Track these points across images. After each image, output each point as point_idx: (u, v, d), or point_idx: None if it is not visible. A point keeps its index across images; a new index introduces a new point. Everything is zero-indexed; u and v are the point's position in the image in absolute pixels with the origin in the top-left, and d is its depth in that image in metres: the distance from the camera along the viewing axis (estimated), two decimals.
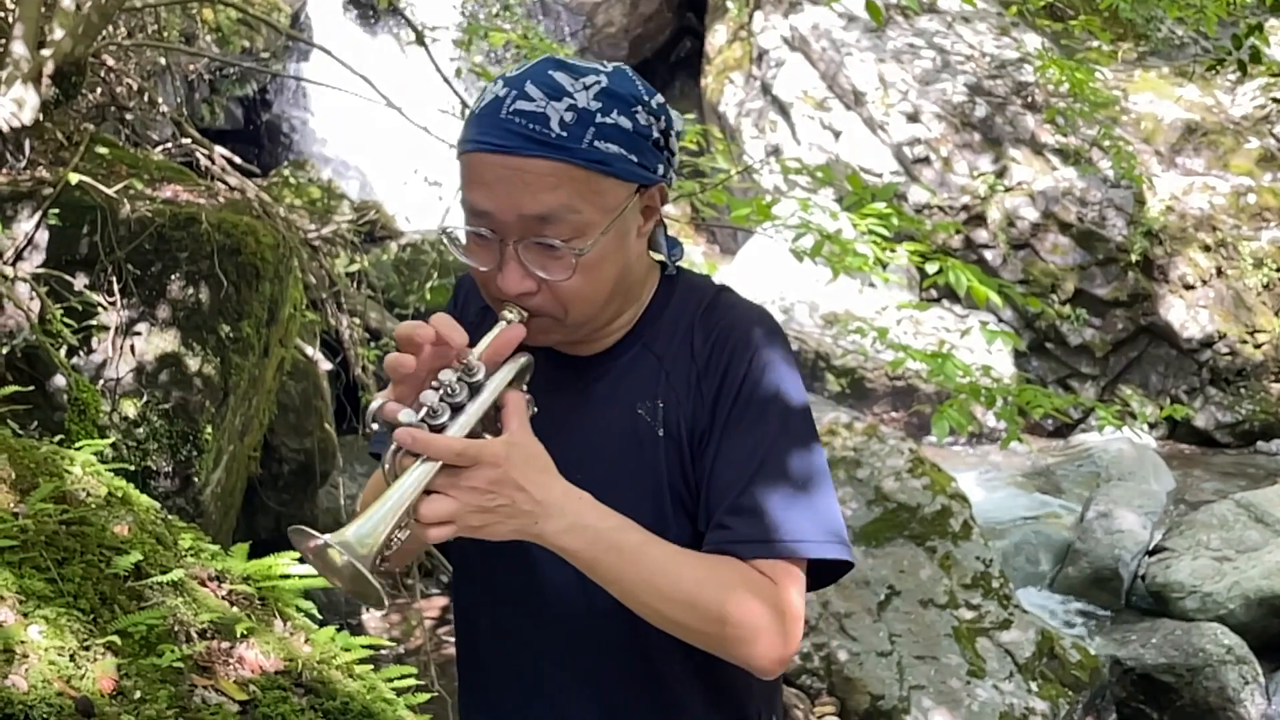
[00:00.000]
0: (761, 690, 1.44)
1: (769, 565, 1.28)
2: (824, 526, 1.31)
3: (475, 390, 1.20)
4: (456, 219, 1.35)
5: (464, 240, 1.32)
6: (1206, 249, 8.65)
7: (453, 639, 5.19)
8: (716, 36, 10.76)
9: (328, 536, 1.10)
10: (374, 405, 1.19)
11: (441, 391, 1.17)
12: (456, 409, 1.18)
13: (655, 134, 1.30)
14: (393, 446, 1.15)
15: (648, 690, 1.38)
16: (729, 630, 1.25)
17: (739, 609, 1.25)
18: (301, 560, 2.44)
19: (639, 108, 1.28)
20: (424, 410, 1.16)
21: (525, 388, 1.27)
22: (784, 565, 1.29)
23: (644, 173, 1.29)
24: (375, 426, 1.22)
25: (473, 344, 1.23)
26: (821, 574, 1.35)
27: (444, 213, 1.35)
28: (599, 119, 1.25)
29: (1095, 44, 8.50)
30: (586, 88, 1.26)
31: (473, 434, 1.18)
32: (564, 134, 1.23)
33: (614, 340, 1.37)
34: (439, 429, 1.16)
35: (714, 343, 1.33)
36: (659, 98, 1.32)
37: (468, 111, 1.35)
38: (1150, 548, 5.94)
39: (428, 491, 1.15)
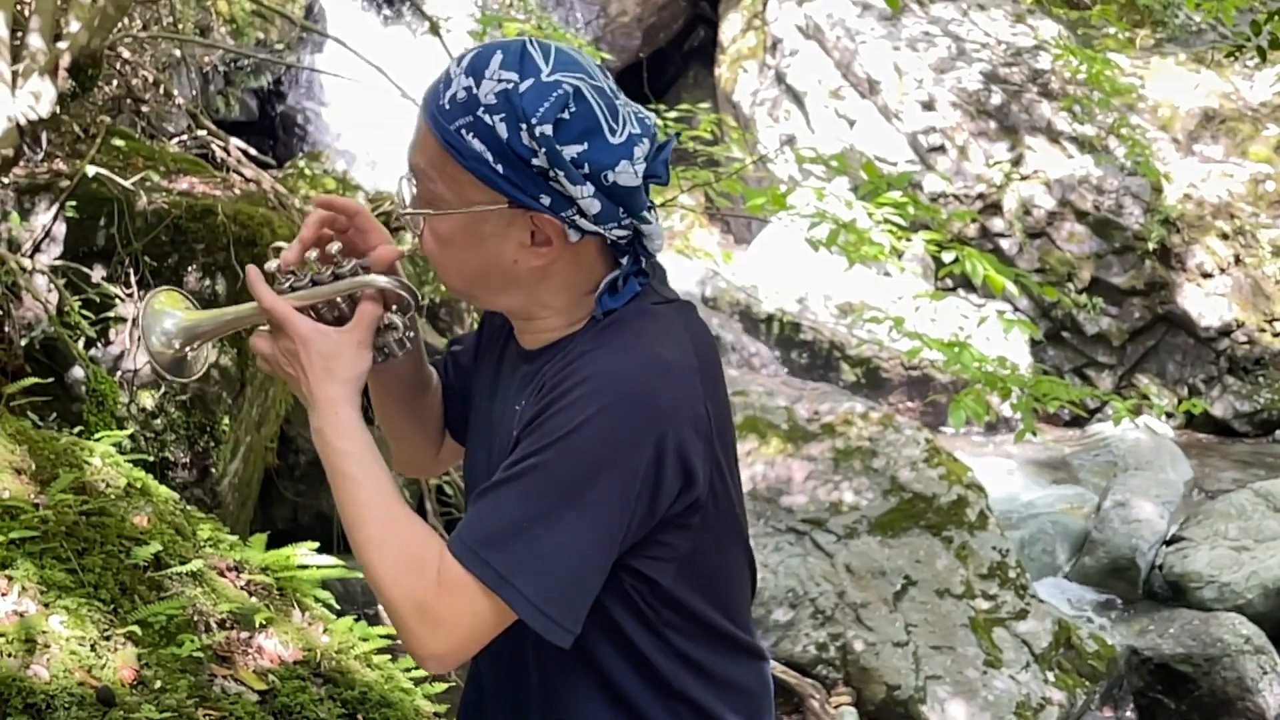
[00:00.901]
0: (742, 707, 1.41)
1: (447, 561, 1.24)
2: (524, 565, 1.22)
3: (335, 278, 1.37)
4: None
5: None
6: (1224, 237, 8.59)
7: None
8: (730, 25, 10.72)
9: (174, 310, 1.40)
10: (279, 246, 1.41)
11: (306, 266, 1.37)
12: (314, 284, 1.37)
13: (537, 161, 1.23)
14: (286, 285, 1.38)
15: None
16: (384, 603, 1.29)
17: (391, 587, 1.26)
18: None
19: (523, 126, 1.22)
20: (288, 271, 1.36)
21: (403, 314, 1.42)
22: (458, 569, 1.23)
23: (512, 190, 1.25)
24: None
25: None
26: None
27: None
28: (479, 113, 1.24)
29: (1112, 31, 8.44)
30: (499, 81, 1.23)
31: (321, 314, 1.37)
32: (446, 107, 1.26)
33: (543, 344, 1.37)
34: (289, 289, 1.36)
35: (570, 372, 1.27)
36: (546, 131, 1.22)
37: None
38: (1168, 537, 5.91)
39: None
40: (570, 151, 1.23)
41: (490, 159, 1.24)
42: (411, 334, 1.44)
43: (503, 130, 1.23)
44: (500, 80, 1.23)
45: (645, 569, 1.30)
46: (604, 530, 1.23)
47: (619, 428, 1.23)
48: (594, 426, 1.22)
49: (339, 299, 1.38)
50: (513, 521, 1.23)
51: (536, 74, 1.23)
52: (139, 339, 1.35)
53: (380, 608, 1.55)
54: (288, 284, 1.36)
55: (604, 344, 1.29)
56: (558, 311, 1.35)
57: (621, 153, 1.25)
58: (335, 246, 1.37)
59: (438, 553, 1.26)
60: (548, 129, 1.22)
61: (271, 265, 1.37)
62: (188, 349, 1.41)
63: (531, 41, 1.27)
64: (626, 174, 1.25)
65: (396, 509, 1.31)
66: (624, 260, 1.32)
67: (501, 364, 1.46)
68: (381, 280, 1.38)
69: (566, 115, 1.23)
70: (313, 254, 1.37)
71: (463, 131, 1.24)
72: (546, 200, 1.25)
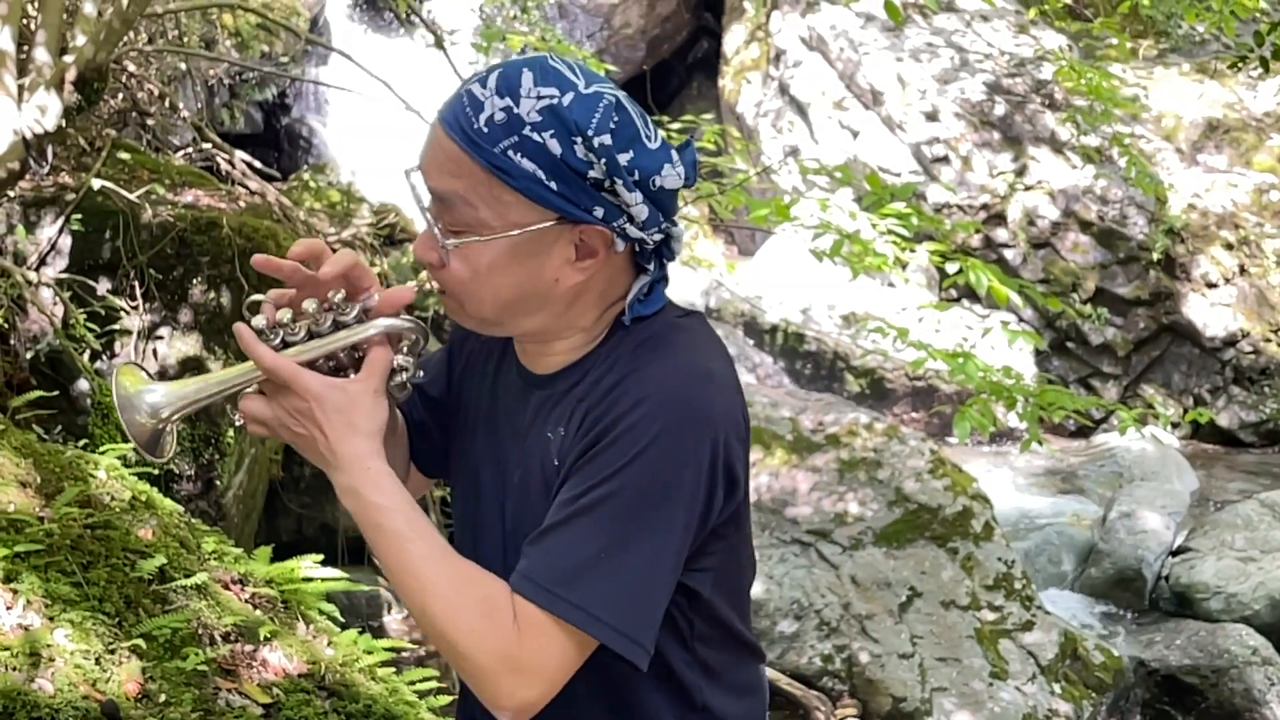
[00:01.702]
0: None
1: (525, 607, 1.21)
2: (607, 597, 1.21)
3: (338, 327, 1.27)
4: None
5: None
6: (1229, 247, 8.58)
7: None
8: (734, 37, 10.74)
9: (151, 382, 1.27)
10: (265, 299, 1.28)
11: (304, 317, 1.26)
12: (312, 335, 1.26)
13: (594, 173, 1.22)
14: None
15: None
16: (456, 659, 1.22)
17: (469, 641, 1.21)
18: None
19: (578, 139, 1.21)
20: (281, 324, 1.25)
21: (414, 356, 1.33)
22: (539, 614, 1.21)
23: (565, 205, 1.23)
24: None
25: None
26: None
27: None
28: (526, 131, 1.21)
29: (1115, 42, 8.45)
30: (539, 98, 1.21)
31: (317, 365, 1.26)
32: (484, 130, 1.21)
33: (560, 365, 1.35)
34: (285, 345, 1.25)
35: (620, 394, 1.25)
36: (605, 140, 1.22)
37: None
38: (1174, 548, 5.90)
39: (263, 392, 1.26)
40: (623, 159, 1.23)
41: (543, 176, 1.22)
42: (421, 373, 1.36)
43: (555, 146, 1.21)
44: (541, 97, 1.21)
45: (689, 581, 1.30)
46: (674, 549, 1.24)
47: (681, 446, 1.23)
48: (657, 449, 1.22)
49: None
50: (588, 557, 1.21)
51: (574, 88, 1.23)
52: (122, 424, 1.26)
53: (429, 647, 1.44)
54: (279, 339, 1.25)
55: (647, 361, 1.27)
56: (582, 330, 1.33)
57: (663, 157, 1.26)
58: (340, 295, 1.27)
59: (507, 594, 1.23)
60: (606, 139, 1.21)
61: (259, 321, 1.25)
62: (171, 423, 1.28)
63: (550, 57, 1.26)
64: (671, 177, 1.26)
65: (454, 559, 1.25)
66: (650, 266, 1.32)
67: (497, 393, 1.41)
68: (399, 322, 1.30)
69: (614, 125, 1.23)
70: (310, 304, 1.26)
71: (510, 153, 1.21)
72: (600, 211, 1.24)
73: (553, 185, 1.22)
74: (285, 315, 1.25)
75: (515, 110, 1.21)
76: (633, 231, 1.26)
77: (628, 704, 1.34)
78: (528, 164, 1.21)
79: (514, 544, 1.29)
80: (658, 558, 1.23)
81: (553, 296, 1.29)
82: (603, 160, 1.22)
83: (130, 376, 1.29)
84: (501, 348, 1.43)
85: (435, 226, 1.27)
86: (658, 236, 1.30)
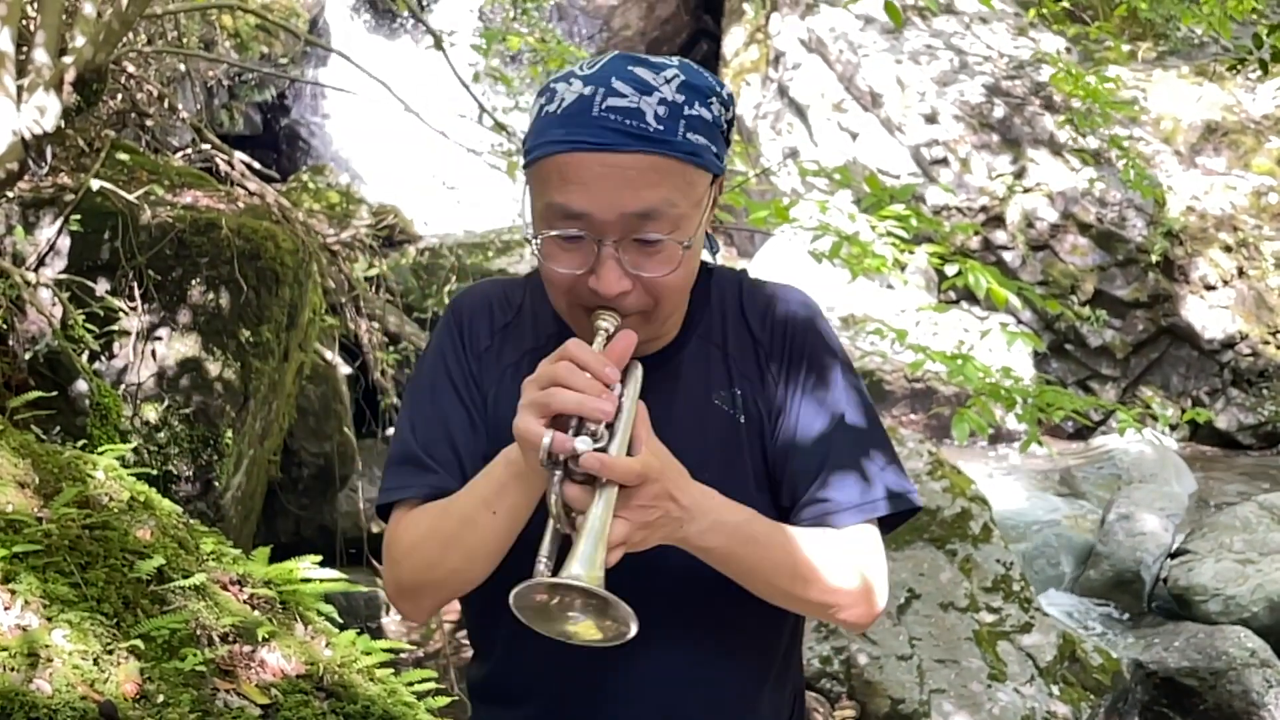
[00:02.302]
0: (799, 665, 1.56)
1: (860, 530, 1.35)
2: (896, 479, 1.37)
3: (619, 408, 1.18)
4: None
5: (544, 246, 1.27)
6: (1227, 249, 8.59)
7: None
8: (733, 39, 10.75)
9: (557, 578, 1.10)
10: (545, 440, 1.14)
11: (608, 415, 1.16)
12: (609, 428, 1.17)
13: (724, 124, 1.30)
14: (556, 476, 1.14)
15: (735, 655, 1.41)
16: (839, 599, 1.32)
17: (848, 580, 1.32)
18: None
19: (714, 98, 1.28)
20: (587, 435, 1.15)
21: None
22: (868, 527, 1.35)
23: (719, 163, 1.29)
24: (544, 460, 1.15)
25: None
26: (891, 517, 1.40)
27: (522, 221, 1.23)
28: (686, 111, 1.24)
29: (1112, 44, 8.46)
30: (668, 81, 1.25)
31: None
32: (660, 128, 1.23)
33: (670, 337, 1.37)
34: (603, 450, 1.15)
35: (771, 325, 1.39)
36: (728, 87, 1.33)
37: (539, 113, 1.28)
38: (1172, 550, 5.90)
39: (570, 511, 1.15)
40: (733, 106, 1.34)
41: (709, 143, 1.27)
42: None
43: (705, 113, 1.26)
44: (669, 79, 1.25)
45: None
46: None
47: (829, 325, 1.45)
48: (839, 347, 1.42)
49: None
50: (879, 455, 1.38)
51: (666, 62, 1.28)
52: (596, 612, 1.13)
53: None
54: (601, 446, 1.15)
55: (765, 291, 1.44)
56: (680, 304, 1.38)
57: None
58: (616, 379, 1.19)
59: (832, 531, 1.34)
60: (726, 89, 1.31)
61: (557, 448, 1.13)
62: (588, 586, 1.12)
63: (619, 54, 1.30)
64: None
65: (788, 527, 1.33)
66: None
67: None
68: (639, 366, 1.26)
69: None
70: (611, 401, 1.18)
71: (688, 135, 1.24)
72: (723, 159, 1.31)
73: (714, 148, 1.28)
74: (592, 425, 1.16)
75: (665, 98, 1.24)
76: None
77: (767, 673, 1.45)
78: (700, 139, 1.26)
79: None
80: (873, 407, 1.43)
81: (695, 264, 1.34)
82: (729, 107, 1.31)
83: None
84: (529, 360, 1.35)
85: (658, 240, 1.24)
86: None
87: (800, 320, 1.40)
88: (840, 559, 1.32)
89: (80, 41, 3.34)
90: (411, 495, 1.36)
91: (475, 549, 1.28)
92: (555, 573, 1.12)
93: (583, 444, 1.14)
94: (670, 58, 1.31)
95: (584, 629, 1.14)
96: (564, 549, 1.13)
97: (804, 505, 1.35)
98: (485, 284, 1.48)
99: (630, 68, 1.25)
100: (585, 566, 1.10)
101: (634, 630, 1.10)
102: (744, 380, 1.37)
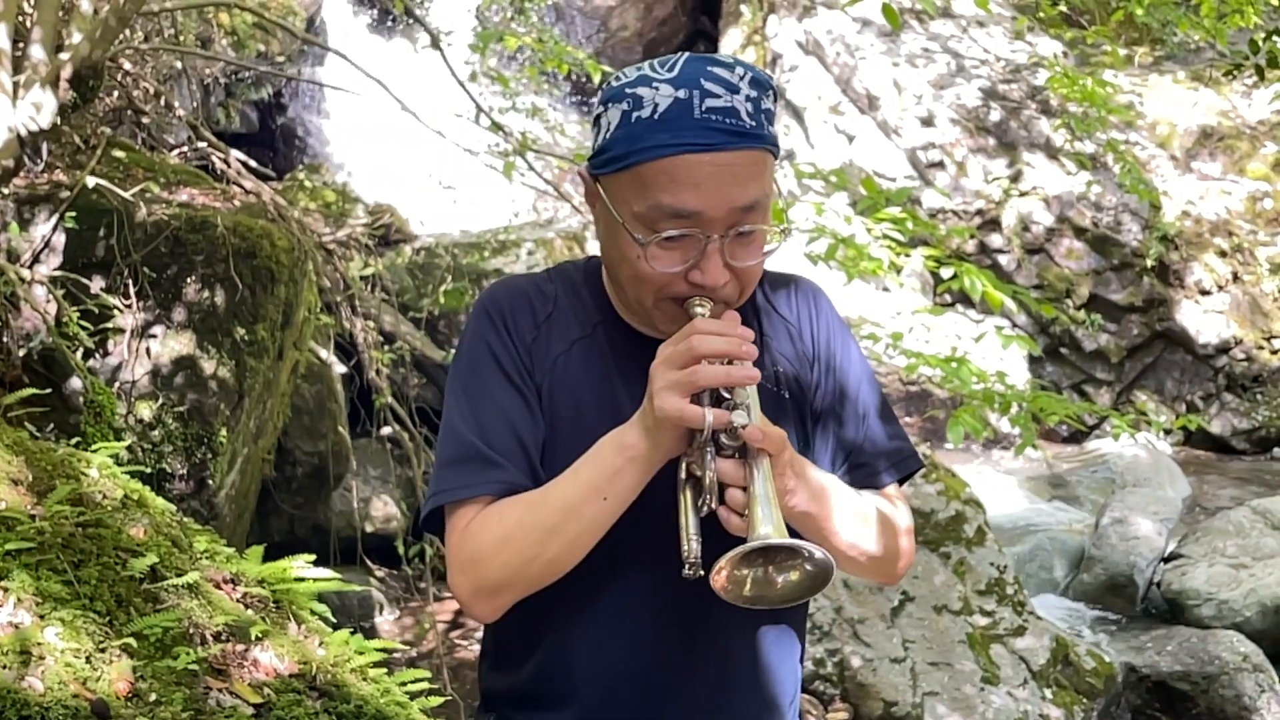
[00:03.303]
0: None
1: (895, 490, 1.49)
2: (907, 438, 1.52)
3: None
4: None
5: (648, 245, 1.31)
6: (1222, 254, 8.61)
7: (465, 643, 5.19)
8: (730, 40, 10.76)
9: (755, 543, 1.16)
10: (708, 418, 1.21)
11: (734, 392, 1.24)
12: (742, 402, 1.24)
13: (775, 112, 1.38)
14: (710, 451, 1.22)
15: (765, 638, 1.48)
16: (886, 555, 1.42)
17: (894, 538, 1.43)
18: (313, 562, 2.45)
19: (771, 90, 1.34)
20: (739, 409, 1.22)
21: None
22: (898, 488, 1.50)
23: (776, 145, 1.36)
24: (706, 437, 1.22)
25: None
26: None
27: (628, 228, 1.26)
28: (763, 104, 1.30)
29: (1109, 49, 8.47)
30: (742, 78, 1.30)
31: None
32: (754, 124, 1.29)
33: None
34: (738, 414, 1.23)
35: (796, 307, 1.49)
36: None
37: (627, 120, 1.30)
38: (1166, 554, 5.91)
39: (721, 486, 1.21)
40: None
41: (775, 132, 1.35)
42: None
43: (769, 104, 1.33)
44: (741, 75, 1.30)
45: None
46: None
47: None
48: (837, 313, 1.55)
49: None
50: (894, 420, 1.54)
51: (730, 59, 1.33)
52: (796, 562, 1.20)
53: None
54: (744, 422, 1.21)
55: (774, 275, 1.52)
56: None
57: None
58: (753, 343, 1.26)
59: (874, 493, 1.47)
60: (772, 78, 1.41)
61: (739, 418, 1.22)
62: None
63: (690, 55, 1.35)
64: None
65: (851, 490, 1.43)
66: None
67: (615, 382, 1.40)
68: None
69: None
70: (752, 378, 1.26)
71: (769, 128, 1.32)
72: None
73: (777, 136, 1.36)
74: (735, 399, 1.24)
75: (749, 94, 1.29)
76: None
77: (794, 651, 1.52)
78: (772, 129, 1.33)
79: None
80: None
81: None
82: (777, 99, 1.37)
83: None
84: (579, 349, 1.42)
85: (757, 230, 1.32)
86: None
87: (819, 301, 1.51)
88: (890, 518, 1.43)
89: (77, 38, 3.34)
90: (482, 493, 1.34)
91: (578, 537, 1.30)
92: (725, 549, 1.16)
93: (739, 417, 1.21)
94: (726, 55, 1.37)
95: (777, 589, 1.21)
96: (707, 526, 1.21)
97: (851, 469, 1.47)
98: (515, 279, 1.50)
99: (710, 68, 1.30)
100: (776, 528, 1.17)
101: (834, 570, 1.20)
102: (782, 359, 1.45)
